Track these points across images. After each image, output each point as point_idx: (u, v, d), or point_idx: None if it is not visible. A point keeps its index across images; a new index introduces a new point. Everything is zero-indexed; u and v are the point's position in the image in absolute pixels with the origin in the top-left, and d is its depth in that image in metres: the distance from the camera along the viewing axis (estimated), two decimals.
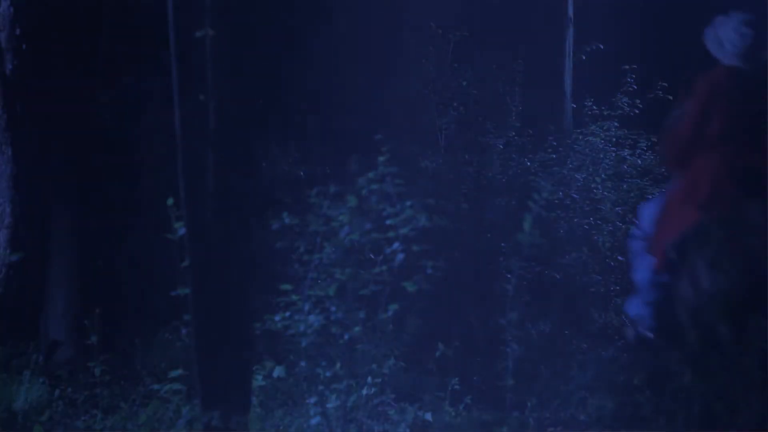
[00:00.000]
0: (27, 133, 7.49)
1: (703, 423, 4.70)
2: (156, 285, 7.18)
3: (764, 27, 5.77)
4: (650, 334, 5.78)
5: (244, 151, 4.86)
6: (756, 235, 5.17)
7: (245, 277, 4.87)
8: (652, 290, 5.77)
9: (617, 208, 9.46)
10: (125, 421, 6.12)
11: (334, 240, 5.05)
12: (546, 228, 7.93)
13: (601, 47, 11.47)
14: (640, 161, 9.92)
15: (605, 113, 10.61)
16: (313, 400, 5.27)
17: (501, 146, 10.19)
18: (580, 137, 10.44)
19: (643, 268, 5.84)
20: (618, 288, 8.85)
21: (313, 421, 5.29)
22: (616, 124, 10.34)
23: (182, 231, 4.89)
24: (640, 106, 10.14)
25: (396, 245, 5.02)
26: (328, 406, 5.21)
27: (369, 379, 5.29)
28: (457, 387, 6.28)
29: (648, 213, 5.95)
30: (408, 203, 5.05)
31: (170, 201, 5.08)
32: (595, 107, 10.88)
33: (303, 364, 5.16)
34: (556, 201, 9.13)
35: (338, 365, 5.13)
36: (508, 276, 7.69)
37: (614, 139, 10.20)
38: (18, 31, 7.46)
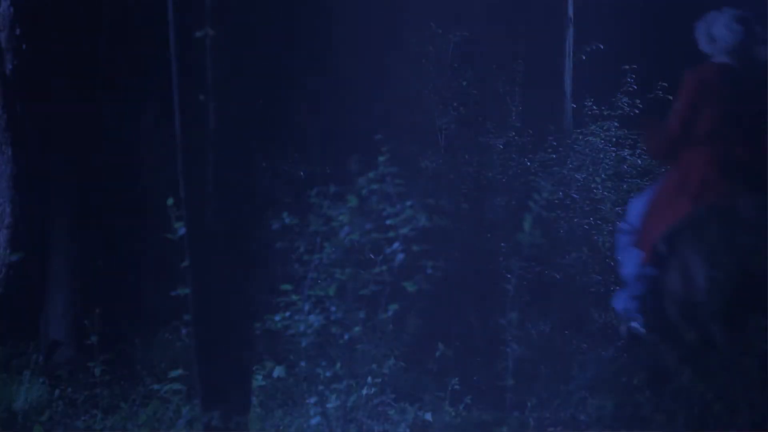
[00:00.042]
0: (27, 133, 7.49)
1: (703, 423, 4.70)
2: (156, 285, 7.18)
3: (753, 24, 5.79)
4: (641, 328, 5.80)
5: (244, 151, 4.86)
6: (747, 228, 5.18)
7: (245, 277, 4.87)
8: (639, 284, 5.78)
9: (617, 208, 9.46)
10: (125, 421, 6.12)
11: (334, 240, 5.05)
12: (546, 228, 7.92)
13: (601, 47, 11.46)
14: (640, 161, 9.92)
15: (605, 113, 10.61)
16: (313, 400, 5.27)
17: (501, 146, 10.19)
18: (580, 137, 10.44)
19: (630, 262, 5.86)
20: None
21: (313, 421, 5.29)
22: (616, 124, 10.34)
23: (182, 231, 4.89)
24: (640, 106, 10.14)
25: (396, 245, 5.02)
26: (328, 406, 5.21)
27: (369, 379, 5.29)
28: (457, 387, 6.28)
29: (636, 207, 5.97)
30: (408, 203, 5.05)
31: (170, 201, 5.08)
32: (595, 107, 10.88)
33: (303, 364, 5.16)
34: (556, 201, 9.13)
35: (338, 365, 5.13)
36: (508, 276, 7.70)
37: (614, 139, 10.20)
38: (18, 31, 7.46)
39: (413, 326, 6.33)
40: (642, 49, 11.40)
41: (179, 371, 5.36)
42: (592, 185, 9.64)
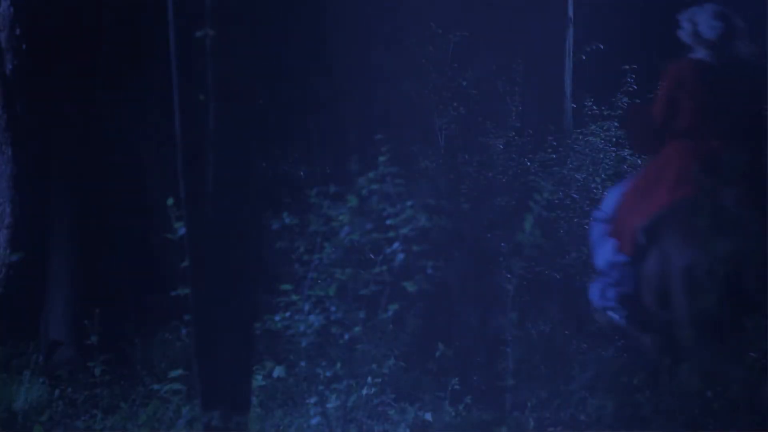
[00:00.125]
0: (27, 133, 7.49)
1: (703, 423, 4.70)
2: (156, 285, 7.18)
3: (733, 20, 5.82)
4: (617, 317, 5.81)
5: (244, 151, 4.86)
6: (725, 221, 5.20)
7: (245, 277, 4.86)
8: (614, 272, 5.80)
9: None
10: (125, 421, 6.12)
11: (334, 240, 5.05)
12: (546, 228, 7.93)
13: (601, 47, 11.47)
14: (640, 161, 9.92)
15: (605, 113, 10.62)
16: (313, 400, 5.27)
17: (501, 146, 10.20)
18: (580, 137, 10.45)
19: (605, 251, 5.88)
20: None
21: (313, 421, 5.29)
22: (616, 124, 10.35)
23: (182, 231, 4.89)
24: None
25: (396, 245, 5.02)
26: (328, 406, 5.21)
27: (369, 379, 5.29)
28: (457, 387, 6.28)
29: (612, 197, 6.00)
30: (408, 203, 5.05)
31: (170, 201, 5.08)
32: (595, 107, 10.89)
33: (303, 364, 5.16)
34: (556, 201, 9.13)
35: (338, 365, 5.13)
36: (508, 276, 7.70)
37: (614, 139, 10.21)
38: (18, 31, 7.46)
39: (413, 326, 6.33)
40: (642, 49, 11.40)
41: (179, 371, 5.36)
42: (592, 185, 9.65)
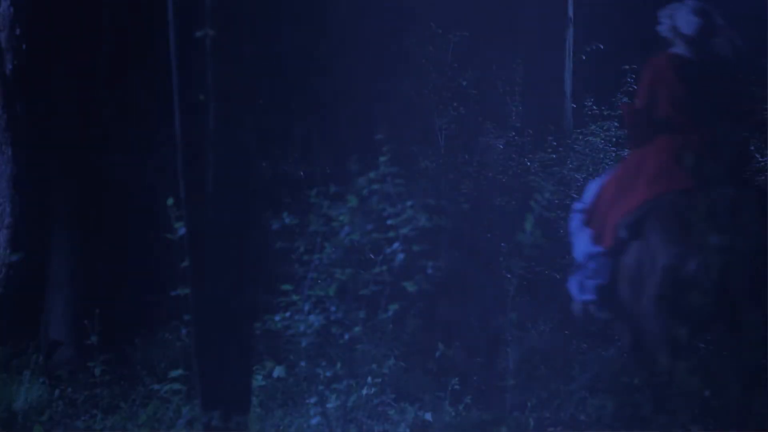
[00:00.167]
0: (27, 133, 7.49)
1: (703, 423, 4.70)
2: (156, 285, 7.18)
3: (712, 17, 5.83)
4: (595, 309, 5.83)
5: (244, 151, 4.86)
6: (705, 217, 5.21)
7: (245, 277, 4.87)
8: (592, 263, 5.81)
9: None
10: (125, 421, 6.12)
11: (334, 240, 5.05)
12: (546, 228, 7.94)
13: (601, 47, 11.47)
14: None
15: (605, 113, 10.62)
16: (313, 400, 5.27)
17: (501, 146, 10.20)
18: (580, 137, 10.46)
19: (582, 242, 5.90)
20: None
21: (313, 421, 5.29)
22: (616, 124, 10.36)
23: (182, 231, 4.89)
24: None
25: (396, 245, 5.02)
26: (328, 406, 5.21)
27: (369, 379, 5.29)
28: (457, 387, 6.28)
29: (592, 189, 6.02)
30: (408, 203, 5.05)
31: (170, 201, 5.08)
32: (595, 107, 10.89)
33: (303, 364, 5.16)
34: (557, 201, 9.14)
35: (338, 365, 5.13)
36: (508, 276, 7.70)
37: (614, 139, 10.22)
38: (18, 31, 7.46)
39: (413, 326, 6.33)
40: (642, 49, 11.40)
41: (179, 371, 5.36)
42: None
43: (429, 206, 5.14)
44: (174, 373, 5.39)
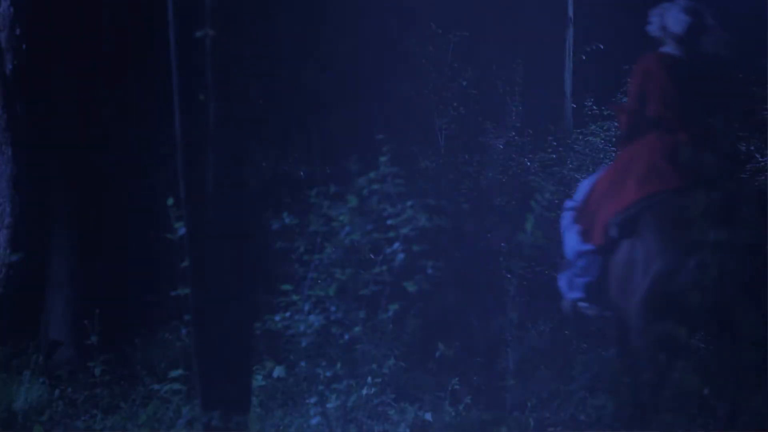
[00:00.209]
0: (27, 133, 7.49)
1: (703, 423, 4.70)
2: (156, 285, 7.18)
3: (703, 16, 5.84)
4: (584, 306, 5.84)
5: (244, 151, 4.86)
6: (695, 217, 5.22)
7: (245, 277, 4.87)
8: (581, 261, 5.83)
9: None
10: (125, 421, 6.12)
11: (334, 240, 5.05)
12: (546, 228, 7.95)
13: (601, 47, 11.48)
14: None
15: (605, 113, 10.62)
16: (313, 400, 5.27)
17: (501, 146, 10.20)
18: (580, 137, 10.46)
19: (572, 240, 5.91)
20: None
21: (313, 421, 5.29)
22: (616, 124, 10.34)
23: (182, 231, 4.89)
24: None
25: (396, 245, 5.02)
26: (328, 406, 5.20)
27: (369, 379, 5.29)
28: (457, 387, 6.28)
29: (584, 187, 6.04)
30: (408, 203, 5.05)
31: (170, 201, 5.08)
32: (595, 107, 10.89)
33: (303, 364, 5.16)
34: (557, 201, 9.14)
35: (338, 365, 5.13)
36: (508, 276, 7.70)
37: (614, 139, 10.21)
38: (18, 31, 7.46)
39: (413, 326, 6.33)
40: (642, 49, 11.40)
41: (179, 371, 5.35)
42: None
43: (429, 206, 5.13)
44: (174, 373, 5.39)
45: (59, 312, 7.36)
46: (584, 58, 11.50)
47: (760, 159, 10.16)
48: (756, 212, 4.98)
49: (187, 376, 5.28)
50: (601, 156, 10.00)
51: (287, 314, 5.10)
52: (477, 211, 9.27)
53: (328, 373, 5.15)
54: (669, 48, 5.88)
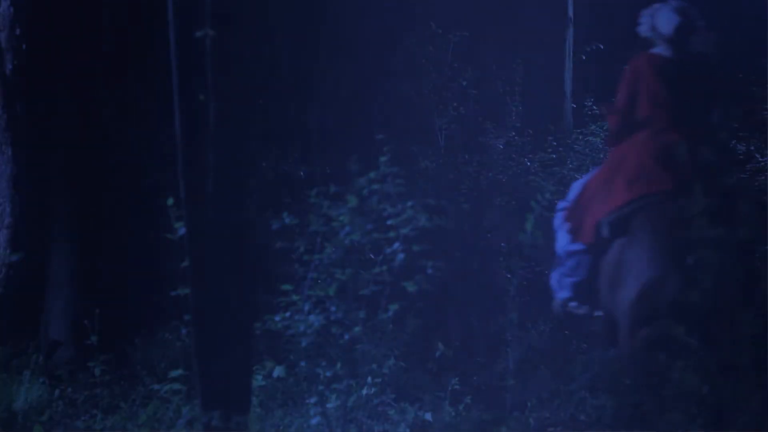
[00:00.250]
0: (27, 133, 7.49)
1: (703, 423, 4.70)
2: (156, 285, 7.18)
3: (693, 16, 5.85)
4: (574, 305, 5.85)
5: (244, 151, 4.86)
6: (684, 218, 5.24)
7: (245, 277, 4.86)
8: (571, 261, 5.83)
9: None
10: (125, 421, 6.12)
11: (334, 240, 5.05)
12: (546, 228, 7.95)
13: (601, 47, 11.48)
14: None
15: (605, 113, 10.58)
16: (313, 400, 5.27)
17: (501, 146, 10.20)
18: (580, 137, 10.46)
19: (563, 239, 5.92)
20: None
21: (313, 421, 5.29)
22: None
23: (182, 231, 4.89)
24: None
25: (396, 245, 5.02)
26: (328, 406, 5.20)
27: (369, 379, 5.29)
28: (457, 387, 6.28)
29: (576, 187, 6.05)
30: (409, 203, 5.04)
31: (170, 201, 5.08)
32: (595, 107, 10.88)
33: (303, 364, 5.16)
34: (557, 201, 9.14)
35: (338, 365, 5.13)
36: (508, 276, 7.70)
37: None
38: (18, 31, 7.46)
39: (413, 326, 6.32)
40: (642, 49, 11.40)
41: (179, 371, 5.35)
42: None
43: (429, 206, 5.13)
44: (174, 373, 5.39)
45: (59, 312, 7.36)
46: (584, 58, 11.50)
47: (760, 159, 10.16)
48: (748, 213, 4.98)
49: (187, 376, 5.28)
50: (601, 156, 9.98)
51: (287, 314, 5.10)
52: (477, 211, 9.27)
53: (328, 373, 5.15)
54: (659, 49, 5.89)
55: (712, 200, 4.89)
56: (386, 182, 5.03)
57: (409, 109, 10.65)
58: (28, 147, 7.48)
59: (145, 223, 7.60)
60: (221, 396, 4.77)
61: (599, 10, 12.58)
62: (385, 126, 9.83)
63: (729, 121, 5.75)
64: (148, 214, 7.56)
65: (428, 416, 6.12)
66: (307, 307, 5.07)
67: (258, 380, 6.09)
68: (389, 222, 5.04)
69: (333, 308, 5.06)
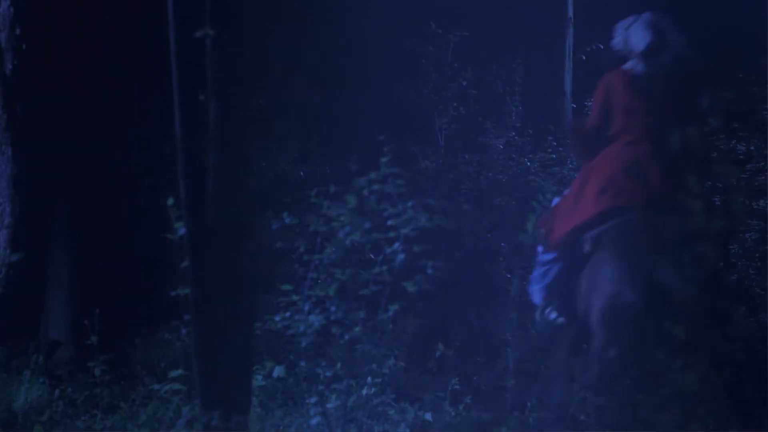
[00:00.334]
0: (27, 133, 7.49)
1: (703, 423, 4.70)
2: (156, 285, 7.18)
3: (666, 31, 5.84)
4: (553, 315, 5.86)
5: (244, 151, 4.86)
6: (651, 233, 5.25)
7: (245, 277, 4.87)
8: (538, 269, 5.86)
9: None
10: (125, 421, 6.12)
11: (334, 240, 5.05)
12: None
13: (601, 47, 11.47)
14: None
15: None
16: (313, 400, 5.27)
17: (501, 146, 10.20)
18: None
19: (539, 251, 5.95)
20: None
21: (313, 421, 5.29)
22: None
23: (182, 231, 4.88)
24: None
25: (397, 245, 5.02)
26: (328, 406, 5.21)
27: (369, 379, 5.29)
28: (457, 387, 6.28)
29: (554, 202, 6.07)
30: (409, 203, 5.05)
31: (170, 201, 5.08)
32: None
33: (303, 364, 5.16)
34: None
35: (338, 365, 5.13)
36: (508, 276, 7.70)
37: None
38: (18, 31, 7.46)
39: (413, 326, 6.33)
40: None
41: (179, 371, 5.35)
42: None
43: (429, 206, 5.13)
44: (174, 373, 5.39)
45: (59, 312, 7.36)
46: (584, 58, 11.50)
47: (761, 159, 10.15)
48: (720, 229, 4.98)
49: (187, 376, 5.28)
50: None
51: (287, 314, 5.10)
52: (477, 211, 9.27)
53: (328, 373, 5.15)
54: (631, 64, 5.88)
55: (683, 214, 4.90)
56: (387, 182, 5.03)
57: (409, 109, 10.65)
58: (28, 147, 7.49)
59: (145, 223, 7.61)
60: (221, 396, 4.77)
61: (599, 10, 12.57)
62: (385, 126, 9.83)
63: (705, 136, 5.73)
64: (148, 214, 7.56)
65: (428, 416, 6.12)
66: (307, 307, 5.07)
67: (258, 380, 6.10)
68: (389, 222, 5.04)
69: (333, 308, 5.06)
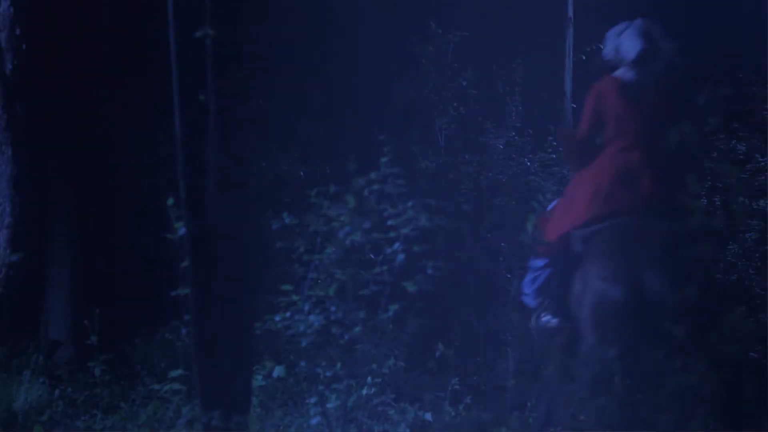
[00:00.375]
0: (27, 133, 7.49)
1: (704, 423, 4.70)
2: (156, 285, 7.18)
3: (656, 39, 5.84)
4: (546, 318, 5.87)
5: (244, 151, 4.86)
6: (641, 240, 5.26)
7: (245, 277, 4.87)
8: (529, 273, 5.87)
9: None
10: (125, 421, 6.12)
11: (334, 240, 5.05)
12: None
13: (601, 47, 11.46)
14: None
15: None
16: (313, 400, 5.27)
17: (501, 146, 10.20)
18: None
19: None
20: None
21: (313, 421, 5.29)
22: None
23: (182, 231, 4.89)
24: None
25: (397, 245, 5.02)
26: (328, 406, 5.21)
27: (369, 379, 5.29)
28: (457, 387, 6.28)
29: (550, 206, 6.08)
30: (409, 203, 5.05)
31: (170, 201, 5.08)
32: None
33: (303, 364, 5.15)
34: None
35: (338, 365, 5.13)
36: (508, 276, 7.70)
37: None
38: (18, 31, 7.47)
39: (413, 326, 6.33)
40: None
41: (179, 371, 5.35)
42: None
43: (429, 206, 5.13)
44: (174, 373, 5.39)
45: (59, 312, 7.36)
46: (584, 58, 11.50)
47: (760, 159, 10.15)
48: (709, 231, 4.98)
49: (187, 376, 5.28)
50: None
51: (287, 314, 5.10)
52: (477, 211, 9.27)
53: (328, 373, 5.15)
54: (622, 71, 5.87)
55: (672, 219, 4.90)
56: (387, 183, 5.03)
57: (409, 109, 10.65)
58: (28, 147, 7.49)
59: (145, 223, 7.61)
60: (221, 396, 4.77)
61: (599, 10, 12.57)
62: (385, 126, 9.84)
63: (697, 144, 5.73)
64: (148, 214, 7.56)
65: (428, 416, 6.12)
66: (307, 307, 5.07)
67: (258, 380, 6.10)
68: (389, 222, 5.04)
69: (333, 308, 5.06)
